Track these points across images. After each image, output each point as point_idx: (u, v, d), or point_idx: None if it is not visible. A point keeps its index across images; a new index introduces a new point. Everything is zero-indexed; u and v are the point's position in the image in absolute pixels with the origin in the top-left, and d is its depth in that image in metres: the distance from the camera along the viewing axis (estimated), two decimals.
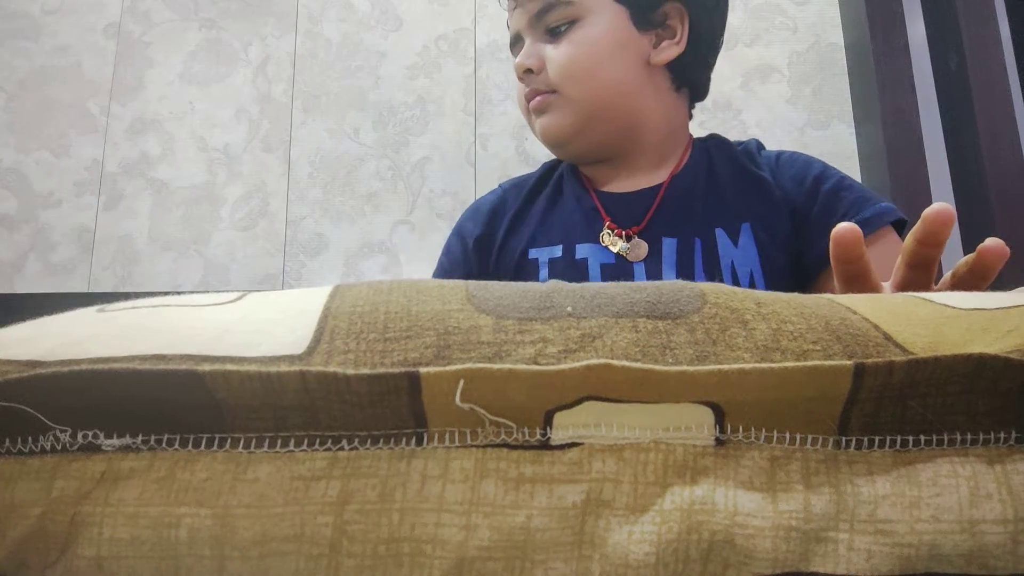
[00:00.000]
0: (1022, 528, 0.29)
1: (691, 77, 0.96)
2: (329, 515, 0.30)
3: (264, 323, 0.34)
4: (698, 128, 1.51)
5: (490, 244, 0.94)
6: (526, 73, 0.90)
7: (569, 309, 0.34)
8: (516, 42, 0.94)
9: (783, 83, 1.57)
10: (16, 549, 0.30)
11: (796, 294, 0.38)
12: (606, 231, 0.89)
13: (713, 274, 0.84)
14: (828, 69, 1.56)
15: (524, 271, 0.89)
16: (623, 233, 0.88)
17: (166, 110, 1.61)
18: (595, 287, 0.37)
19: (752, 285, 0.84)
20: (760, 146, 0.96)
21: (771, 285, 0.84)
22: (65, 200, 1.58)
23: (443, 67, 1.61)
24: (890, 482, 0.30)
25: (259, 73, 1.62)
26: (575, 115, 0.89)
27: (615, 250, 0.87)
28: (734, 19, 1.59)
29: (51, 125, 1.61)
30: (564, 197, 0.95)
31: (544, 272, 0.88)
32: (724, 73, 1.56)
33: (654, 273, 0.85)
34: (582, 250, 0.88)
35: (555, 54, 0.89)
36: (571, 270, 0.87)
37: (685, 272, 0.85)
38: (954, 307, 0.36)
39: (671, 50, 0.92)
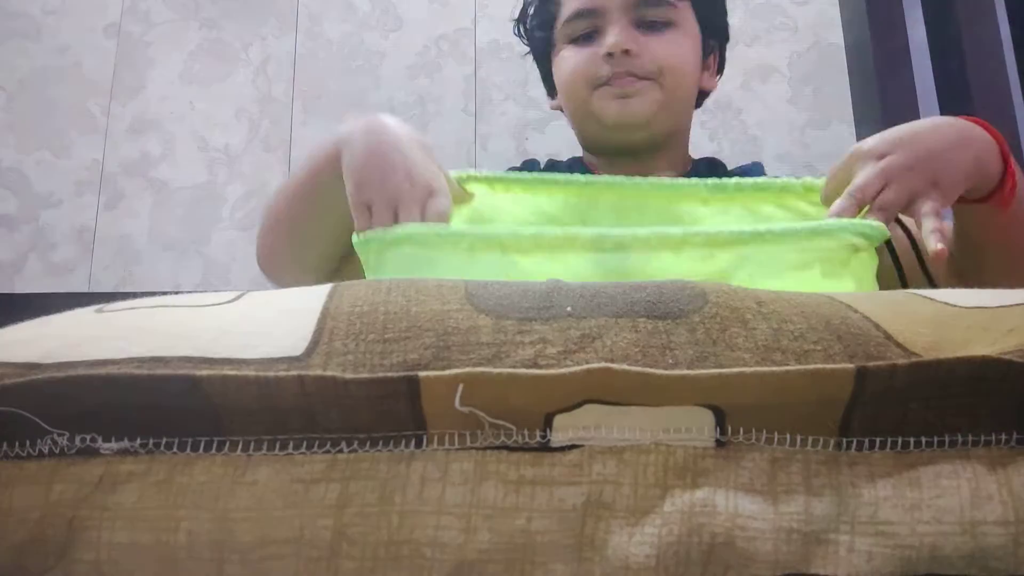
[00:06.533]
0: (1023, 530, 0.29)
1: (698, 106, 1.03)
2: (328, 518, 0.30)
3: (262, 324, 0.34)
4: (699, 128, 1.50)
5: None
6: (623, 54, 0.91)
7: (569, 309, 0.34)
8: (587, 16, 0.94)
9: (783, 83, 1.56)
10: (15, 553, 0.30)
11: (797, 292, 0.37)
12: None
13: None
14: (828, 69, 1.56)
15: None
16: None
17: (166, 110, 1.61)
18: (595, 286, 0.37)
19: None
20: (762, 167, 1.01)
21: None
22: (65, 200, 1.58)
23: (443, 67, 1.60)
24: (891, 484, 0.30)
25: (259, 73, 1.62)
26: (660, 106, 0.91)
27: None
28: (734, 19, 1.58)
29: (51, 125, 1.61)
30: None
31: None
32: (724, 73, 1.56)
33: None
34: None
35: (662, 46, 0.92)
36: None
37: None
38: (955, 305, 0.36)
39: (712, 81, 1.01)
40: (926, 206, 0.64)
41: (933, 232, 0.62)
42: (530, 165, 1.01)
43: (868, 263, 0.64)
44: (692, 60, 0.94)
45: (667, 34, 0.92)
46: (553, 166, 1.01)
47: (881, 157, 0.67)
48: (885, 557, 0.29)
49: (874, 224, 0.62)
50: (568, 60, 0.95)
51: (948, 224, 0.75)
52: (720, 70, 1.04)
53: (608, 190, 0.77)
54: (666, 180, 0.79)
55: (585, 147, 1.01)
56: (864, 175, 0.66)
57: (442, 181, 0.70)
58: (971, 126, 0.71)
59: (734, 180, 0.77)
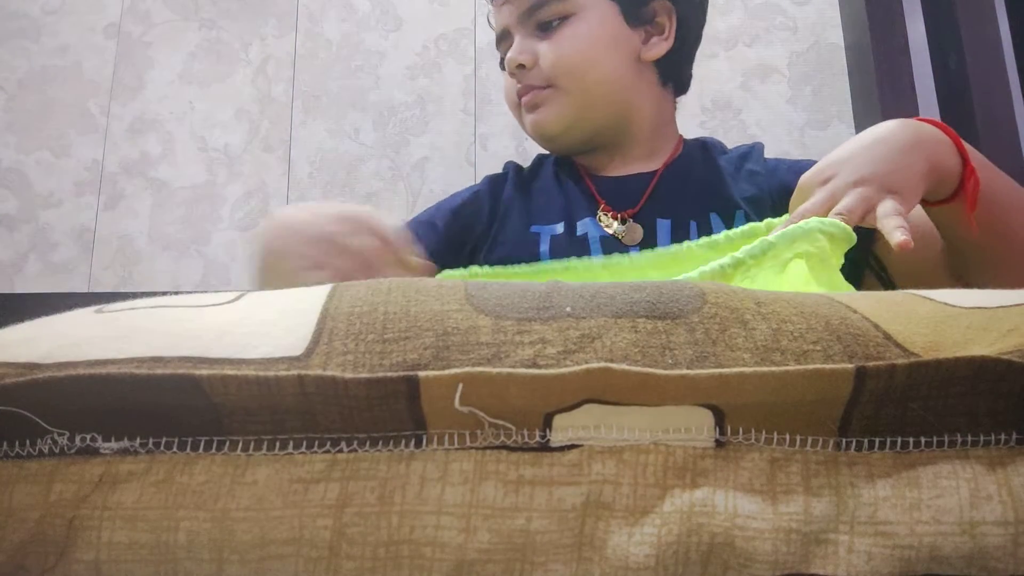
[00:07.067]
0: (1023, 530, 0.29)
1: (677, 72, 0.98)
2: (328, 518, 0.30)
3: (262, 324, 0.34)
4: (698, 128, 1.50)
5: (465, 236, 0.93)
6: (518, 69, 0.89)
7: (568, 309, 0.34)
8: (503, 38, 0.94)
9: (783, 83, 1.56)
10: (14, 553, 0.30)
11: (796, 292, 0.37)
12: (600, 213, 0.89)
13: None
14: (828, 69, 1.56)
15: (526, 245, 0.88)
16: (618, 216, 0.88)
17: (166, 110, 1.61)
18: (595, 286, 0.37)
19: None
20: (762, 148, 0.97)
21: None
22: (65, 200, 1.58)
23: (443, 67, 1.60)
24: (890, 484, 0.30)
25: (259, 73, 1.62)
26: (569, 109, 0.89)
27: (610, 232, 0.87)
28: (734, 19, 1.58)
29: (51, 125, 1.61)
30: (561, 181, 0.94)
31: (545, 246, 0.87)
32: (724, 73, 1.56)
33: None
34: (582, 226, 0.87)
35: (549, 49, 0.89)
36: (573, 246, 0.87)
37: None
38: (955, 305, 0.36)
39: (660, 46, 0.93)
40: (884, 207, 0.62)
41: (897, 228, 0.60)
42: (507, 167, 1.00)
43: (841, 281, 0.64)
44: (597, 45, 0.89)
45: (562, 30, 0.88)
46: (541, 162, 1.00)
47: (826, 182, 0.66)
48: (884, 557, 0.29)
49: (838, 223, 0.61)
50: (504, 85, 0.96)
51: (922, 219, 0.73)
52: (682, 33, 0.95)
53: (588, 273, 0.78)
54: (648, 254, 0.79)
55: None
56: (810, 201, 0.65)
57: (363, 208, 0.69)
58: (921, 126, 0.69)
59: (723, 235, 0.76)
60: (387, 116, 1.59)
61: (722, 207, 0.87)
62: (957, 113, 1.42)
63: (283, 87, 1.61)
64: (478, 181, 1.02)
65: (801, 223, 0.61)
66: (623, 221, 0.88)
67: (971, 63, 1.42)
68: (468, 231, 0.92)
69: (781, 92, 1.56)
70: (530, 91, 0.90)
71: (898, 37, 1.48)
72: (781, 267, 0.60)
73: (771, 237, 0.61)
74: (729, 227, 0.85)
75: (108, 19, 1.65)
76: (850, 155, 0.67)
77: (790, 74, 1.57)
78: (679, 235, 0.86)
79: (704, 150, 0.96)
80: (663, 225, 0.87)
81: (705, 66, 1.55)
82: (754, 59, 1.58)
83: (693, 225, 0.86)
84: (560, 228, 0.88)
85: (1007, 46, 1.43)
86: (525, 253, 0.87)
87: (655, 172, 0.92)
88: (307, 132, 1.58)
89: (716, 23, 1.57)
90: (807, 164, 0.93)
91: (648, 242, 0.86)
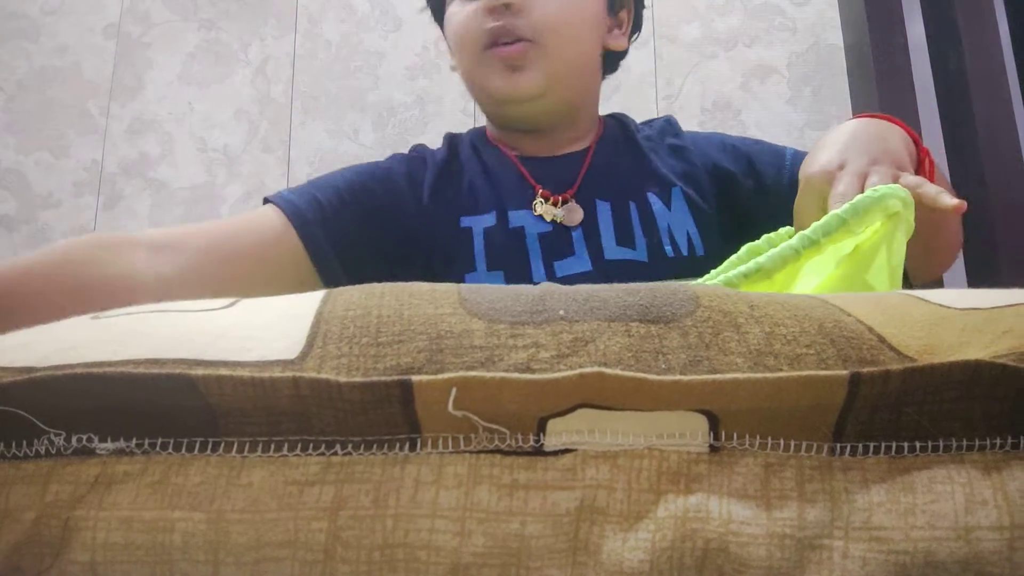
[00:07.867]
0: (1018, 535, 0.29)
1: (610, 71, 0.97)
2: (323, 521, 0.30)
3: (257, 328, 0.34)
4: (697, 128, 1.51)
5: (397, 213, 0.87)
6: (504, 7, 0.81)
7: (562, 312, 0.34)
8: None
9: (783, 83, 1.56)
10: (10, 554, 0.30)
11: (791, 295, 0.37)
12: (539, 200, 0.85)
13: (652, 237, 0.83)
14: (828, 69, 1.56)
15: (458, 240, 0.83)
16: (557, 200, 0.85)
17: (165, 110, 1.61)
18: (588, 289, 0.37)
19: (691, 246, 0.83)
20: (676, 121, 0.96)
21: (709, 245, 0.84)
22: (65, 200, 1.58)
23: (443, 67, 1.60)
24: (885, 489, 0.30)
25: (259, 73, 1.62)
26: (548, 72, 0.83)
27: (549, 219, 0.84)
28: (734, 20, 1.58)
29: (51, 125, 1.61)
30: (486, 164, 0.89)
31: (479, 242, 0.83)
32: (724, 73, 1.56)
33: (593, 238, 0.83)
34: (516, 218, 0.84)
35: (547, 2, 0.82)
36: (507, 239, 0.83)
37: (624, 236, 0.83)
38: (949, 307, 0.36)
39: (621, 40, 0.93)
40: (908, 180, 0.62)
41: (940, 192, 0.60)
42: (419, 150, 0.93)
43: (902, 244, 0.61)
44: (585, 18, 0.87)
45: None
46: (453, 140, 0.93)
47: (840, 167, 0.65)
48: (879, 563, 0.29)
49: (903, 188, 0.59)
50: (456, 16, 0.87)
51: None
52: (635, 29, 0.95)
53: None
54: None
55: (488, 119, 0.94)
56: (842, 185, 0.63)
57: None
58: (878, 120, 0.72)
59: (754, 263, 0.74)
60: (386, 116, 1.59)
61: (659, 186, 0.86)
62: (957, 113, 1.42)
63: (282, 88, 1.61)
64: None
65: (869, 191, 0.58)
66: (563, 203, 0.85)
67: (970, 63, 1.42)
68: (386, 217, 0.85)
69: (781, 93, 1.56)
70: (515, 42, 0.82)
71: (897, 37, 1.48)
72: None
73: (841, 212, 0.57)
74: (668, 205, 0.85)
75: (107, 19, 1.66)
76: (845, 144, 0.68)
77: (790, 75, 1.57)
78: (620, 217, 0.84)
79: (624, 128, 0.95)
80: (603, 207, 0.85)
81: (705, 66, 1.55)
82: (754, 60, 1.58)
83: (632, 206, 0.85)
84: (492, 219, 0.84)
85: (1006, 46, 1.43)
86: (458, 249, 0.83)
87: (587, 150, 0.90)
88: (306, 133, 1.59)
89: (716, 24, 1.57)
90: (727, 138, 0.93)
91: (589, 224, 0.84)
